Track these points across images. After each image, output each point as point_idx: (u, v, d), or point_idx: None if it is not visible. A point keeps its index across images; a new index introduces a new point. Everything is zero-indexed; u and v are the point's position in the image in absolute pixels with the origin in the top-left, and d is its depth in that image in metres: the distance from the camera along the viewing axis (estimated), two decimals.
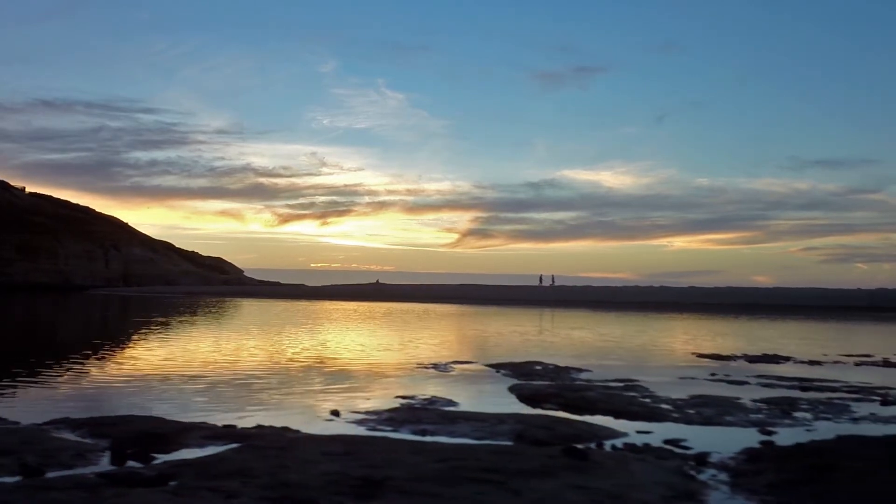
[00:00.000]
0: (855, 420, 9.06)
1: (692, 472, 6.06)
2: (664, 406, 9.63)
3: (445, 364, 14.46)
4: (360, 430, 7.50)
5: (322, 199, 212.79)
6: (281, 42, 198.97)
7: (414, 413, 8.58)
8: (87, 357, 15.04)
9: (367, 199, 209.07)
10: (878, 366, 15.77)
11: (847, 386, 12.07)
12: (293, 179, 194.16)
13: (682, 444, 7.42)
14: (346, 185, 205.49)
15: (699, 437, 7.78)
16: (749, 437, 7.69)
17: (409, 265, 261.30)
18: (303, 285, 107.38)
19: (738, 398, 10.45)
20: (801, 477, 5.65)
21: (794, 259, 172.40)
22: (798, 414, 9.37)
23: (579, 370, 13.74)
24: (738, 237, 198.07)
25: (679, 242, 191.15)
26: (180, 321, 28.47)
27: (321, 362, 14.67)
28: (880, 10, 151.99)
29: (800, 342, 22.50)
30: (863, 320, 39.58)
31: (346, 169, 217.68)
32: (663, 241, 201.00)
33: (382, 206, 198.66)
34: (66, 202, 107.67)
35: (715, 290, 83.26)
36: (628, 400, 9.89)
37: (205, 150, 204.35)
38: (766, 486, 5.58)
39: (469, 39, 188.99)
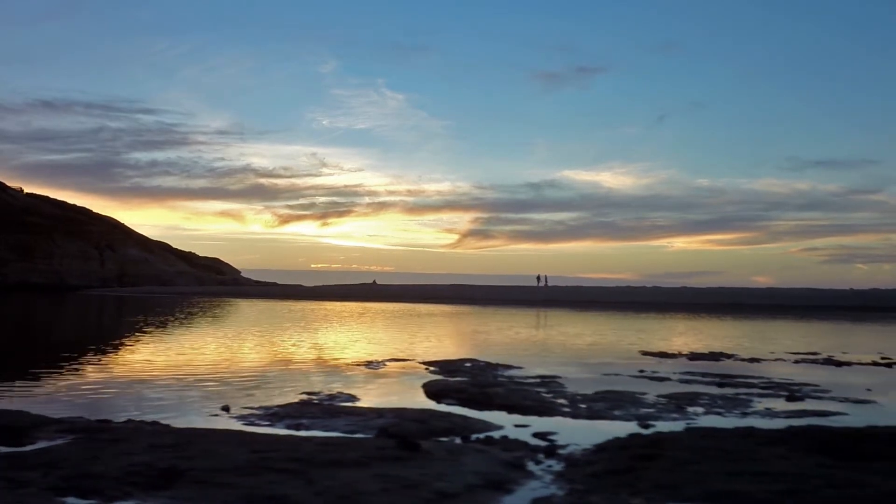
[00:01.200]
0: (744, 414, 9.14)
1: (527, 463, 6.15)
2: (561, 401, 9.72)
3: (381, 362, 14.58)
4: (233, 425, 7.61)
5: (322, 199, 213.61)
6: (281, 42, 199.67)
7: (301, 408, 8.69)
8: (26, 355, 15.18)
9: (367, 199, 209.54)
10: (818, 363, 15.81)
11: (766, 382, 12.14)
12: (293, 180, 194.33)
13: (549, 436, 7.52)
14: (346, 186, 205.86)
15: (572, 431, 7.87)
16: (620, 430, 7.74)
17: (409, 266, 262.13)
18: (300, 286, 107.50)
19: (644, 394, 10.54)
20: (623, 466, 5.74)
21: (795, 259, 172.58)
22: (692, 408, 9.45)
23: (509, 367, 13.83)
24: (738, 238, 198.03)
25: (679, 243, 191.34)
26: (153, 321, 28.60)
27: (263, 360, 14.80)
28: (880, 11, 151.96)
29: (759, 341, 22.54)
30: (845, 319, 39.53)
31: (346, 169, 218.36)
32: (664, 242, 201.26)
33: (382, 206, 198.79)
34: (63, 202, 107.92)
35: (706, 290, 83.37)
36: (529, 395, 9.98)
37: (205, 151, 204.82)
38: (587, 475, 5.67)
39: (469, 40, 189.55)
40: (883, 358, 16.78)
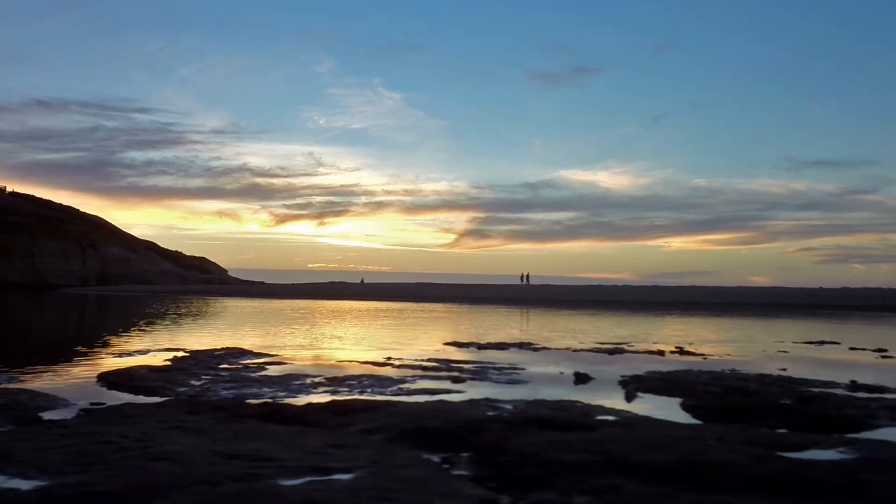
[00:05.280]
0: (362, 392, 9.48)
1: None
2: (198, 383, 10.04)
3: (152, 351, 14.88)
4: None
5: (319, 199, 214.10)
6: (277, 42, 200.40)
7: None
8: None
9: (364, 199, 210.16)
10: (601, 352, 15.88)
11: (491, 368, 12.31)
12: (290, 180, 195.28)
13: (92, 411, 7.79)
14: (342, 186, 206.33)
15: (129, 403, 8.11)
16: None
17: (406, 266, 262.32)
18: (285, 285, 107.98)
19: (318, 377, 10.75)
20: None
21: (792, 260, 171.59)
22: (266, 389, 9.59)
23: (263, 355, 14.04)
24: (735, 238, 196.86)
25: (677, 243, 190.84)
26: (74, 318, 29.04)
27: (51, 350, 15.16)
28: (878, 11, 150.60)
29: (622, 334, 22.57)
30: (802, 316, 39.31)
31: (342, 169, 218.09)
32: (661, 242, 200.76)
33: (379, 206, 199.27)
34: (48, 202, 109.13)
35: (678, 288, 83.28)
36: (174, 380, 10.22)
37: (201, 150, 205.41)
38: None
39: (467, 39, 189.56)
40: (678, 347, 16.92)
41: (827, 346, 18.70)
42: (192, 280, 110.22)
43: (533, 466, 4.99)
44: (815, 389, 9.80)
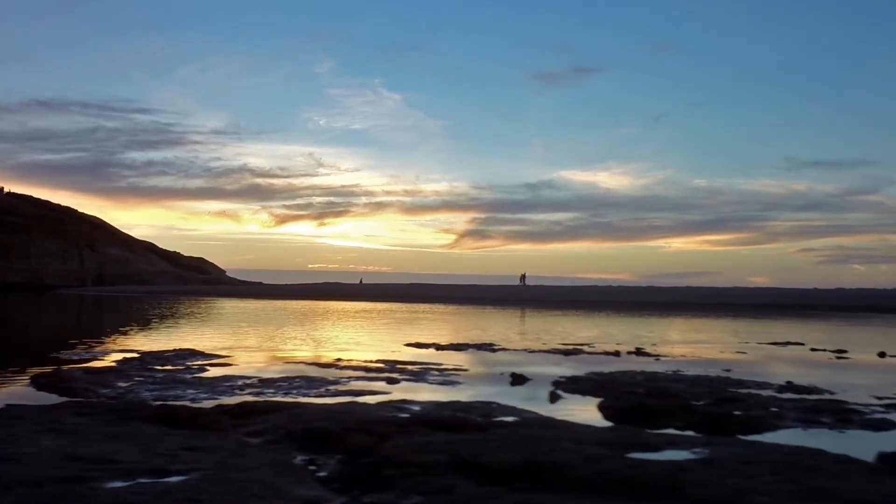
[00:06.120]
0: (289, 394, 9.40)
1: None
2: (121, 384, 10.11)
3: (104, 352, 14.95)
4: None
5: (319, 199, 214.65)
6: (277, 42, 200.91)
7: None
8: None
9: (364, 199, 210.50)
10: (557, 353, 15.92)
11: (437, 369, 12.34)
12: (290, 180, 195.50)
13: None
14: (343, 186, 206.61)
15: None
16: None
17: (406, 266, 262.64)
18: (282, 285, 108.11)
19: (253, 378, 10.79)
20: None
21: (792, 260, 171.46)
22: (190, 391, 9.57)
23: (209, 356, 14.10)
24: (735, 238, 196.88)
25: (677, 243, 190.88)
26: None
27: None
28: (878, 11, 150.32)
29: (592, 335, 22.60)
30: (762, 316, 39.34)
31: (343, 169, 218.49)
32: (661, 243, 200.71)
33: (380, 206, 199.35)
34: (46, 202, 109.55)
35: (674, 289, 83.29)
36: (102, 382, 10.23)
37: (201, 151, 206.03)
38: None
39: (467, 39, 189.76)
40: (637, 348, 16.93)
41: (791, 346, 18.68)
42: (189, 280, 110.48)
43: (389, 468, 5.01)
44: (744, 391, 9.81)
